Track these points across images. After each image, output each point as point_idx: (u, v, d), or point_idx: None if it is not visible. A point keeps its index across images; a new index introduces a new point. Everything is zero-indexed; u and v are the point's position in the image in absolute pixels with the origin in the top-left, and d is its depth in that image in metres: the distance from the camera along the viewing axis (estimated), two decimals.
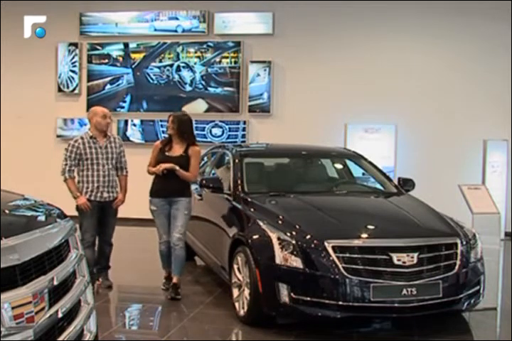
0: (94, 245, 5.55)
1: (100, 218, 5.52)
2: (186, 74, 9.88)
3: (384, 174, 6.17)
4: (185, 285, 5.62)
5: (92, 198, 5.43)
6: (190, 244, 6.22)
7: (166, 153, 5.44)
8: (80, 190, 5.42)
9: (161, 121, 9.84)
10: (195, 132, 10.09)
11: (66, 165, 5.40)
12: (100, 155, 5.46)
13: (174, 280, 5.40)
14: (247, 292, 4.54)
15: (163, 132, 9.84)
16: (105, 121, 5.52)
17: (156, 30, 9.96)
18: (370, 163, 6.31)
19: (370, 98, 9.30)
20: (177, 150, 5.45)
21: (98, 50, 10.09)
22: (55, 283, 2.52)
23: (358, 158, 6.35)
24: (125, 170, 5.69)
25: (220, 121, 9.70)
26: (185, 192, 5.44)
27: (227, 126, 9.71)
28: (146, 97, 10.02)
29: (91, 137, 5.49)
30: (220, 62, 9.77)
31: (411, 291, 4.20)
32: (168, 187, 5.36)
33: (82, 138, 5.49)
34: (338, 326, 4.63)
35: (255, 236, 4.58)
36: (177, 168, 5.31)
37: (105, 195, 5.48)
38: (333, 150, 6.74)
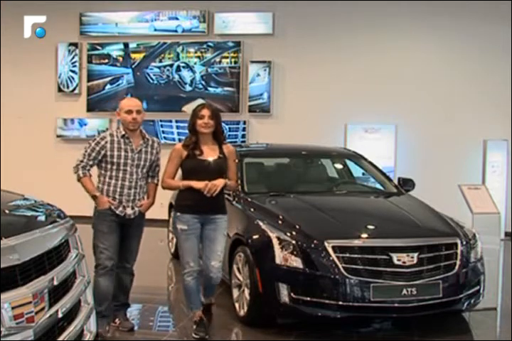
0: (112, 273, 4.31)
1: (120, 240, 4.37)
2: (186, 74, 9.88)
3: (384, 174, 6.17)
4: None
5: (114, 210, 4.29)
6: None
7: (200, 158, 4.28)
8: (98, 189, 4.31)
9: (161, 121, 9.85)
10: None
11: (81, 162, 4.27)
12: (130, 161, 4.28)
13: (209, 300, 4.69)
14: (247, 292, 4.53)
15: (163, 132, 9.85)
16: (131, 117, 4.28)
17: (156, 30, 9.96)
18: (370, 163, 6.31)
19: (370, 98, 9.30)
20: (211, 152, 4.32)
21: (98, 50, 10.09)
22: (55, 283, 2.52)
23: (358, 158, 6.36)
24: (156, 179, 4.50)
25: None
26: (224, 207, 4.44)
27: (227, 126, 9.69)
28: (146, 97, 10.00)
29: (123, 136, 4.30)
30: (220, 62, 9.77)
31: (411, 291, 4.20)
32: (206, 201, 4.23)
33: (111, 135, 4.31)
34: (338, 326, 4.63)
35: (255, 236, 4.58)
36: (228, 182, 4.34)
37: (129, 211, 4.29)
38: (333, 150, 6.74)
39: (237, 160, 4.57)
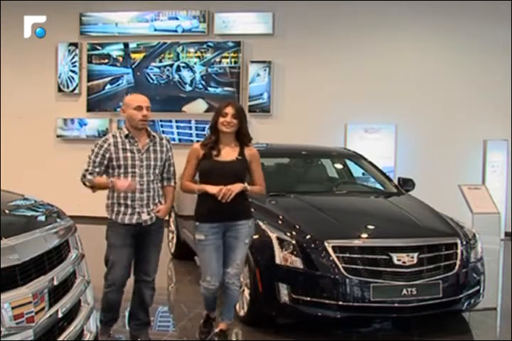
0: (122, 289, 4.01)
1: (137, 249, 4.01)
2: (186, 74, 9.87)
3: (384, 174, 6.18)
4: (185, 286, 5.63)
5: (126, 221, 3.92)
6: (190, 244, 6.22)
7: (216, 159, 3.99)
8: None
9: (161, 121, 9.85)
10: (195, 132, 10.23)
11: (86, 170, 3.93)
12: (138, 162, 3.92)
13: (222, 326, 4.20)
14: (247, 292, 4.54)
15: (163, 132, 9.84)
16: (141, 114, 3.89)
17: (156, 30, 9.96)
18: (370, 163, 6.31)
19: (370, 98, 9.30)
20: (229, 153, 4.01)
21: (98, 50, 10.09)
22: (55, 283, 2.52)
23: (358, 158, 6.36)
24: (173, 181, 4.14)
25: None
26: (248, 211, 4.14)
27: None
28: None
29: (127, 136, 3.95)
30: (220, 62, 9.77)
31: (411, 291, 4.20)
32: (226, 207, 3.90)
33: (114, 136, 3.96)
34: (338, 326, 4.63)
35: (255, 236, 4.57)
36: (248, 187, 4.01)
37: (144, 216, 3.95)
38: (333, 150, 6.75)
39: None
